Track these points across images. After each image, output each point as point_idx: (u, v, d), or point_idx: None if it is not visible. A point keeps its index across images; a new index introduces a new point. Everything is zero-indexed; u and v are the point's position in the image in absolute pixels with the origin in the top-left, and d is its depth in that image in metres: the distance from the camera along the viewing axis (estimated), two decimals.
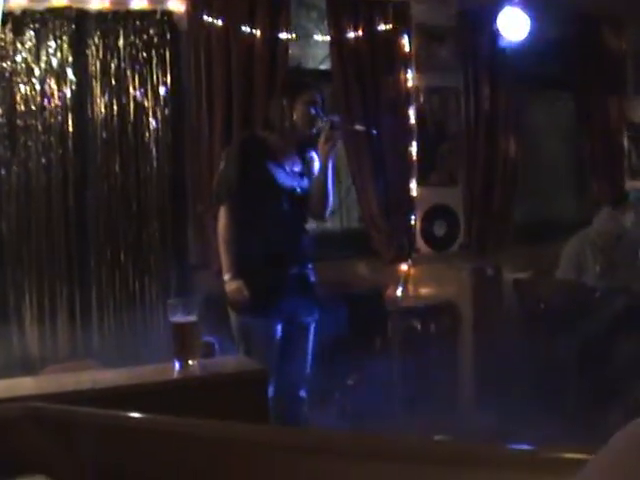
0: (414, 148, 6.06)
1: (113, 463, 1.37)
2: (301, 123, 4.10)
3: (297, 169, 4.18)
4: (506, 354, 5.21)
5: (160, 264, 5.16)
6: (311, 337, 4.19)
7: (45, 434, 1.38)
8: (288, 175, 4.12)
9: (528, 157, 6.75)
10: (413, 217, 6.06)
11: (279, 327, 4.08)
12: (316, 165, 4.20)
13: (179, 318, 2.83)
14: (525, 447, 1.31)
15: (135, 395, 2.63)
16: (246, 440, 1.39)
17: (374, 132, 5.21)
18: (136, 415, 1.36)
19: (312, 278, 4.19)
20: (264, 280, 4.02)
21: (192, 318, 2.84)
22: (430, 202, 6.16)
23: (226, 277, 4.03)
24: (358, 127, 4.71)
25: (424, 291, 5.94)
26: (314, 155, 4.22)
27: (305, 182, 4.18)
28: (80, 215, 5.07)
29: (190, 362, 2.84)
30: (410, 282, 5.91)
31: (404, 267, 5.94)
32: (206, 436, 1.36)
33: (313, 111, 4.09)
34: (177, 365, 2.83)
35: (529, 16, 5.81)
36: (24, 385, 2.96)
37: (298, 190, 4.14)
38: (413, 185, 6.05)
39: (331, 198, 4.20)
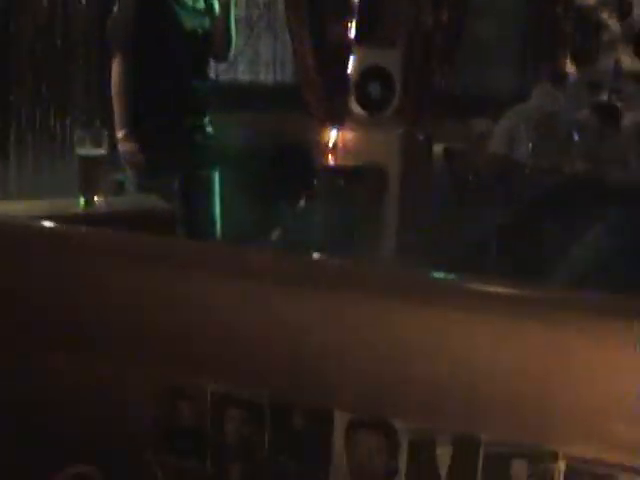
0: (355, 4, 5.86)
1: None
2: None
3: (200, 6, 3.93)
4: (429, 219, 5.23)
5: (83, 101, 5.02)
6: (216, 190, 4.05)
7: None
8: (189, 13, 3.86)
9: (471, 28, 6.62)
10: (348, 76, 5.90)
11: (181, 183, 3.92)
12: (216, 3, 3.95)
13: (85, 150, 2.71)
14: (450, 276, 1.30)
15: None
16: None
17: None
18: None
19: (210, 128, 4.01)
20: (162, 135, 3.78)
21: (100, 151, 2.72)
22: (367, 62, 5.98)
23: (119, 134, 3.71)
24: None
25: (353, 152, 5.85)
26: None
27: (207, 21, 3.93)
28: (2, 49, 4.87)
29: (96, 198, 2.75)
30: (340, 142, 5.83)
31: (335, 127, 5.84)
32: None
33: None
34: (81, 201, 2.74)
35: None
36: None
37: (199, 30, 3.89)
38: (351, 42, 5.87)
39: (234, 37, 4.01)
